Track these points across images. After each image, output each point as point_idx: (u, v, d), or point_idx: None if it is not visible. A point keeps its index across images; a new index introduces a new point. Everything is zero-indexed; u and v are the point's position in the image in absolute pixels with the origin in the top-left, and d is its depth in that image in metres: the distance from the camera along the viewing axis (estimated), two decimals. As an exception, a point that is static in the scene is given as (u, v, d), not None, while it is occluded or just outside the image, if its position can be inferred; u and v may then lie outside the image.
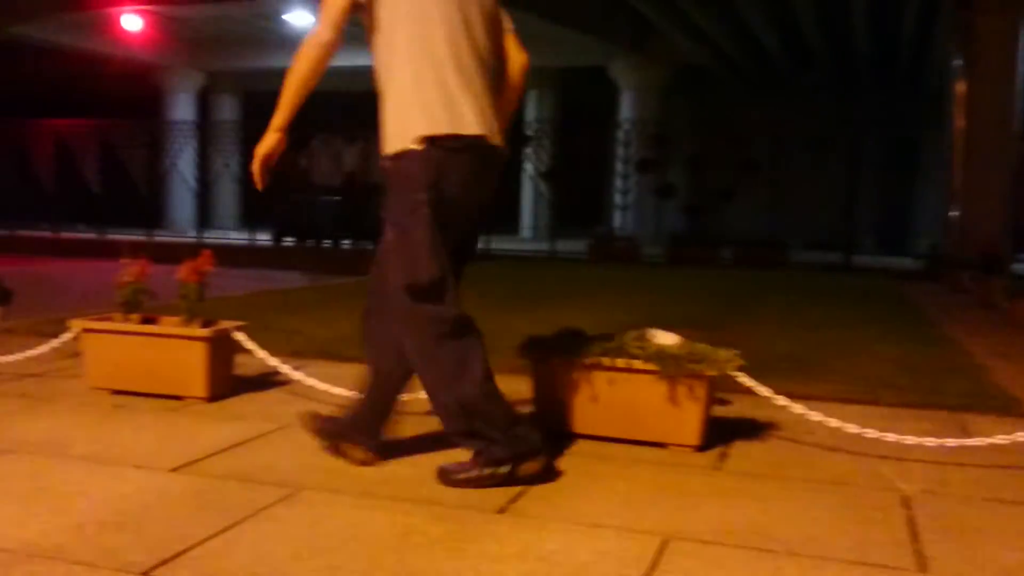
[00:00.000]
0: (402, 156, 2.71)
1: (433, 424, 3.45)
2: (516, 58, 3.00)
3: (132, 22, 19.44)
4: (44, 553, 2.17)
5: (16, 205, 17.60)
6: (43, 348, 4.22)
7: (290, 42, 20.38)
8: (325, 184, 16.02)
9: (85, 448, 3.06)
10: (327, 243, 15.48)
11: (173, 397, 3.74)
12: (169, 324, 3.83)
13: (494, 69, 2.92)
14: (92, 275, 11.57)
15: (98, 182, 17.77)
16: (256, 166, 2.86)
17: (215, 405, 3.69)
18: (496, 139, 2.82)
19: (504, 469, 2.69)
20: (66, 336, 4.05)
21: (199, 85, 24.27)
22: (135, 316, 3.87)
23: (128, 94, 22.12)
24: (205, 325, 3.79)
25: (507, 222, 19.13)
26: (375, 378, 2.92)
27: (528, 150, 15.82)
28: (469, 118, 2.72)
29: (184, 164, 17.87)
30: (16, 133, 18.34)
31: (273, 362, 3.80)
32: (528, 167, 16.45)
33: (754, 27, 18.02)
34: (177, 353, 3.73)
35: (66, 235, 16.50)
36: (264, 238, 15.85)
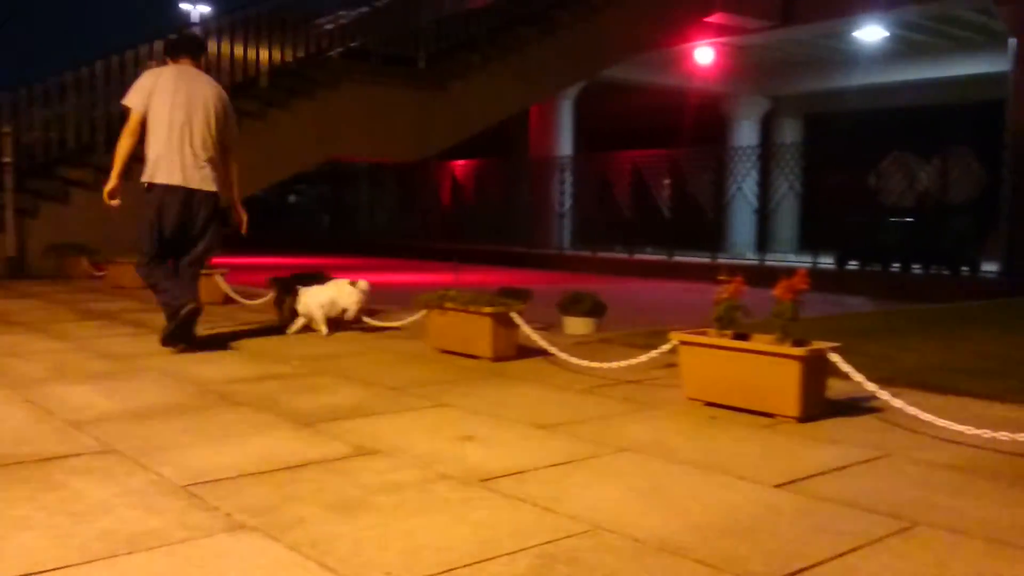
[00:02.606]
0: (143, 188, 5.41)
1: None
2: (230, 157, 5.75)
3: (704, 55, 20.57)
4: (669, 548, 2.29)
5: (600, 230, 19.64)
6: (641, 358, 4.55)
7: (856, 61, 19.94)
8: (895, 205, 15.16)
9: (689, 454, 3.22)
10: (895, 267, 14.64)
11: (763, 414, 3.77)
12: (762, 342, 3.87)
13: (212, 148, 5.49)
14: (662, 293, 12.42)
15: (668, 207, 19.00)
16: (105, 200, 5.38)
17: (807, 426, 3.64)
18: (195, 185, 5.39)
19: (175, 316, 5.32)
20: (664, 347, 4.31)
21: (763, 111, 24.75)
22: (729, 332, 3.99)
23: (695, 124, 23.42)
24: (797, 344, 3.76)
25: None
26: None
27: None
28: (173, 174, 5.35)
29: (747, 188, 18.30)
30: (602, 166, 20.48)
31: (871, 387, 3.63)
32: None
33: None
34: (770, 370, 3.76)
35: (639, 256, 17.94)
36: (826, 261, 15.51)
